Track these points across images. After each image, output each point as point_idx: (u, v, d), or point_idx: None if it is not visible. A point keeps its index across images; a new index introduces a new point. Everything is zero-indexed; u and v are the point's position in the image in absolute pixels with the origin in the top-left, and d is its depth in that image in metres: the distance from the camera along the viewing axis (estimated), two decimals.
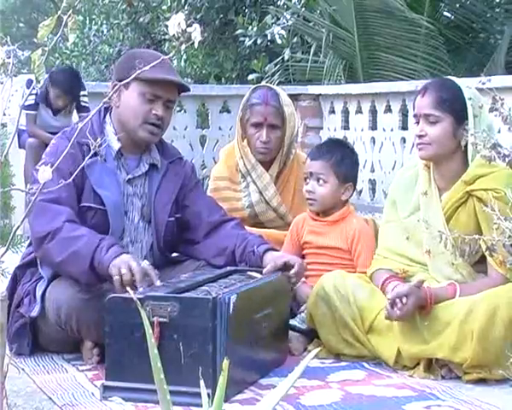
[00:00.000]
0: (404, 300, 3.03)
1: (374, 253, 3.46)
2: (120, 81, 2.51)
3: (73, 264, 3.08)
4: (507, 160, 2.27)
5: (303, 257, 3.64)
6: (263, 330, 3.03)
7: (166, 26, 2.04)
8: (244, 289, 2.93)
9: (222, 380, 1.74)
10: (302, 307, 3.45)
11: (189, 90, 3.43)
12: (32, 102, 6.72)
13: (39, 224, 3.14)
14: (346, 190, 3.66)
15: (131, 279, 2.97)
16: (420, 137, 3.19)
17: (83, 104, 6.97)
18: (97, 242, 3.07)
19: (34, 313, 3.23)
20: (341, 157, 3.66)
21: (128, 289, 2.12)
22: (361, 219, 3.75)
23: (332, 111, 8.39)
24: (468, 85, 3.22)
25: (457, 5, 9.69)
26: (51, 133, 6.36)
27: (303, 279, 3.47)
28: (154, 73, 3.11)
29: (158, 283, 2.98)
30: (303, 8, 9.95)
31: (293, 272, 3.22)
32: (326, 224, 3.65)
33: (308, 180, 3.65)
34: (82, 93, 6.98)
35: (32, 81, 6.32)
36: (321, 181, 3.62)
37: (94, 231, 3.14)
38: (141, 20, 11.98)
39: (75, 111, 7.02)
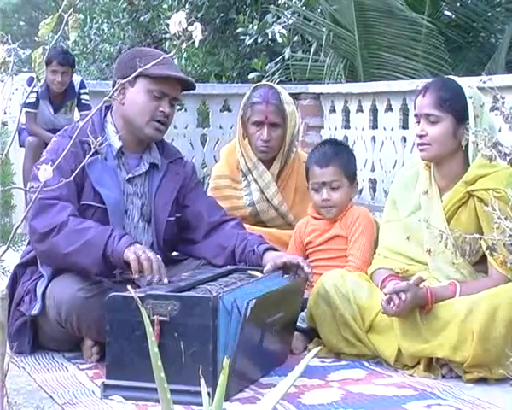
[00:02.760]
0: (403, 296, 3.03)
1: (373, 237, 3.48)
2: (124, 79, 2.51)
3: (85, 254, 3.07)
4: (508, 158, 2.27)
5: (307, 257, 3.64)
6: (272, 332, 3.03)
7: (167, 25, 2.03)
8: (262, 294, 2.89)
9: (222, 379, 1.74)
10: None
11: (194, 88, 3.41)
12: (33, 100, 6.68)
13: (42, 220, 3.12)
14: (354, 188, 3.69)
15: (150, 262, 2.98)
16: (420, 137, 3.19)
17: (83, 102, 6.96)
18: (109, 232, 3.08)
19: (34, 312, 3.23)
20: (347, 158, 3.69)
21: (129, 287, 2.12)
22: (361, 207, 3.76)
23: (333, 110, 8.39)
24: (469, 85, 3.22)
25: (458, 4, 9.67)
26: (51, 131, 6.35)
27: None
28: (162, 70, 3.11)
29: (166, 280, 2.98)
30: (303, 7, 9.94)
31: (307, 271, 3.19)
32: (329, 221, 3.65)
33: (321, 190, 3.62)
34: (83, 91, 6.98)
35: (33, 79, 6.30)
36: (335, 187, 3.61)
37: (100, 224, 3.14)
38: (141, 18, 11.96)
39: (76, 109, 7.02)
